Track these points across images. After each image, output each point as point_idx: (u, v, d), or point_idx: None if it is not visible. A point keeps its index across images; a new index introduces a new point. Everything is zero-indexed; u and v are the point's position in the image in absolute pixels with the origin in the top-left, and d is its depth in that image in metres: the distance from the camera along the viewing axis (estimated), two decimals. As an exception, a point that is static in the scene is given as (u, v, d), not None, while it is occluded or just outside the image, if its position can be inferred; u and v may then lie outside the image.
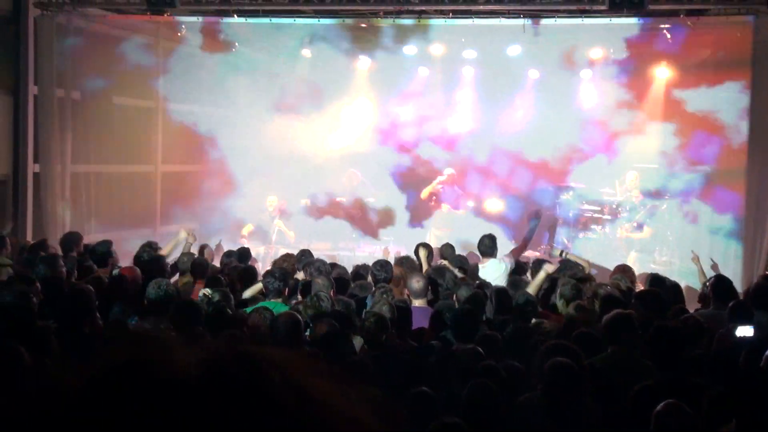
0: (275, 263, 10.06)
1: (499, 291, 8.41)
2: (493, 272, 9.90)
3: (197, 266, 9.70)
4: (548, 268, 9.08)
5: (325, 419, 0.96)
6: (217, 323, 6.81)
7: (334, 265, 10.21)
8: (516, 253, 10.73)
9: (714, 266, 11.09)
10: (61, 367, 1.00)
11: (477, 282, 9.17)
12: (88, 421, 0.90)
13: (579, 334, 6.45)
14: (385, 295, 7.78)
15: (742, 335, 6.28)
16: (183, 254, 10.27)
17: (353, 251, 15.76)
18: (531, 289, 8.79)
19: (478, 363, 5.73)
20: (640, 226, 14.84)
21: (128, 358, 0.97)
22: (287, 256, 10.58)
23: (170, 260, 10.32)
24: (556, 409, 5.01)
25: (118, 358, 0.97)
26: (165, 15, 14.18)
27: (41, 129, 13.77)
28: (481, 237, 10.49)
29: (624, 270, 9.87)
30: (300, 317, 6.40)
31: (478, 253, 10.60)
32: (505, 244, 11.44)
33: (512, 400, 5.47)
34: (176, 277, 9.90)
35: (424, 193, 16.61)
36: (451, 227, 15.51)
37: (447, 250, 11.01)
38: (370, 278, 9.27)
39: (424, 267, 9.95)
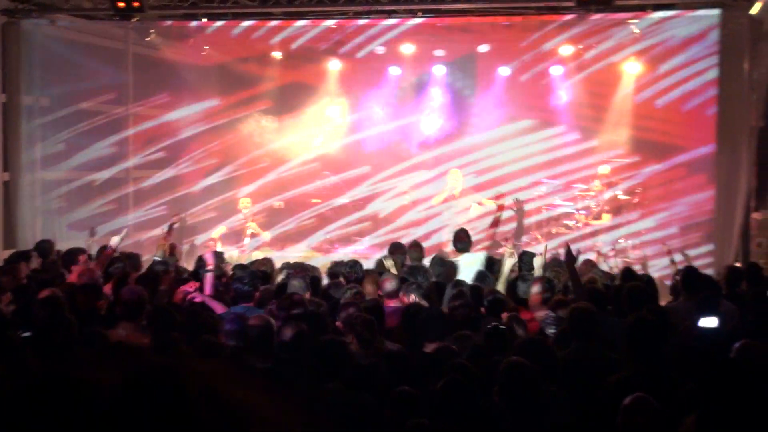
0: (252, 266, 9.98)
1: (473, 288, 8.36)
2: (471, 264, 9.75)
3: None
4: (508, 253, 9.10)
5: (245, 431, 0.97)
6: (194, 329, 6.73)
7: (307, 267, 10.13)
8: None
9: (683, 261, 10.94)
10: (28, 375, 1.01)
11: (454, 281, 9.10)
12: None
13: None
14: (356, 296, 7.77)
15: (705, 326, 6.31)
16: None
17: (328, 253, 15.73)
18: (500, 284, 8.80)
19: (451, 361, 5.72)
20: (599, 215, 14.90)
21: (51, 374, 0.98)
22: (265, 261, 10.55)
23: None
24: (513, 407, 5.03)
25: (45, 374, 0.98)
26: (133, 20, 14.08)
27: (10, 137, 13.63)
28: (456, 233, 10.39)
29: (592, 264, 9.89)
30: (272, 321, 6.34)
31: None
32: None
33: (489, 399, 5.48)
34: None
35: (437, 200, 15.10)
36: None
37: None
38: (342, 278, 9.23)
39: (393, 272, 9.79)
